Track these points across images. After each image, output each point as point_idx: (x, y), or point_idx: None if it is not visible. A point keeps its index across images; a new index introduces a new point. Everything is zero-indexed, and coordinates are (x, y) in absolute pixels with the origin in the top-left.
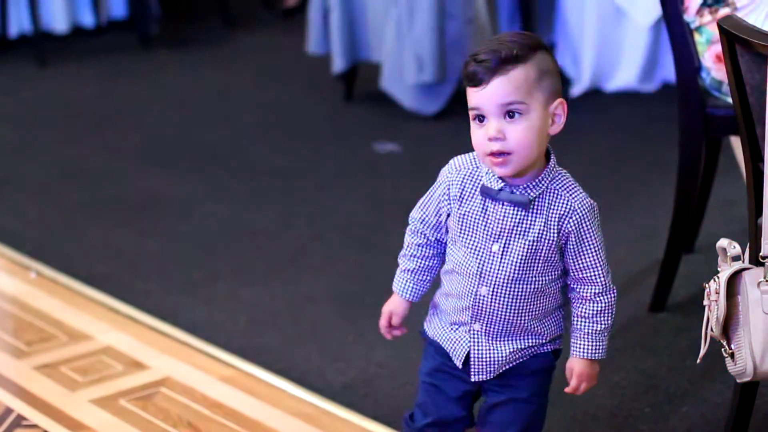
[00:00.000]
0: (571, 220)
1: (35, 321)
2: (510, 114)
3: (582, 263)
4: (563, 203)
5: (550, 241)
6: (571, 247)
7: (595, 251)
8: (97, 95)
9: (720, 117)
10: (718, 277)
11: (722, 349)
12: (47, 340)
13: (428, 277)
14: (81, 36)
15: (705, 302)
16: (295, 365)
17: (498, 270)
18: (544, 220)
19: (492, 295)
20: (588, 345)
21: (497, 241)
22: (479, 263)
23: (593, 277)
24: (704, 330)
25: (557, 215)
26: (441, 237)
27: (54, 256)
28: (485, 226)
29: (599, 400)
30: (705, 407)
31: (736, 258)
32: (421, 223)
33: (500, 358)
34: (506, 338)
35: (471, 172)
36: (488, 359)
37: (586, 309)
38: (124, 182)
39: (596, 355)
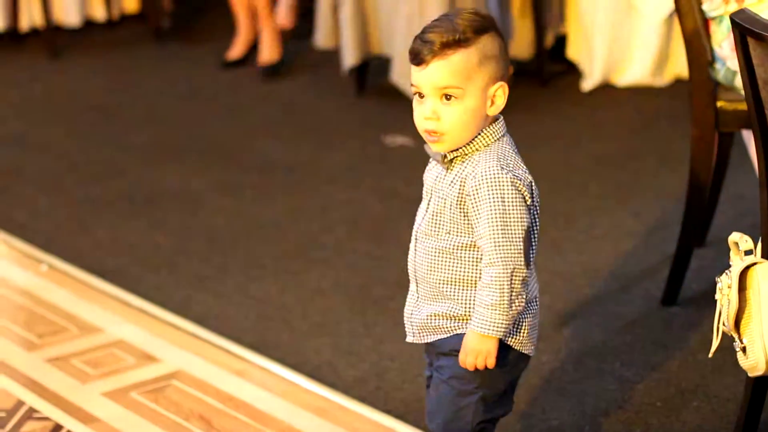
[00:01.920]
0: (470, 183)
1: (46, 313)
2: (446, 96)
3: (477, 231)
4: (472, 167)
5: (452, 199)
6: (472, 213)
7: (489, 220)
8: (109, 89)
9: (732, 111)
10: (730, 271)
11: (734, 344)
12: (59, 333)
13: None
14: (93, 29)
15: (717, 296)
16: (307, 359)
17: (420, 224)
18: (452, 178)
19: (415, 250)
20: (477, 317)
21: (426, 197)
22: (419, 218)
23: (485, 246)
24: (716, 324)
25: (462, 176)
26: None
27: (65, 248)
28: (426, 185)
29: (610, 395)
30: (716, 402)
31: (748, 252)
32: None
33: (420, 320)
34: (428, 301)
35: None
36: (413, 319)
37: (482, 280)
38: (134, 176)
39: (483, 328)
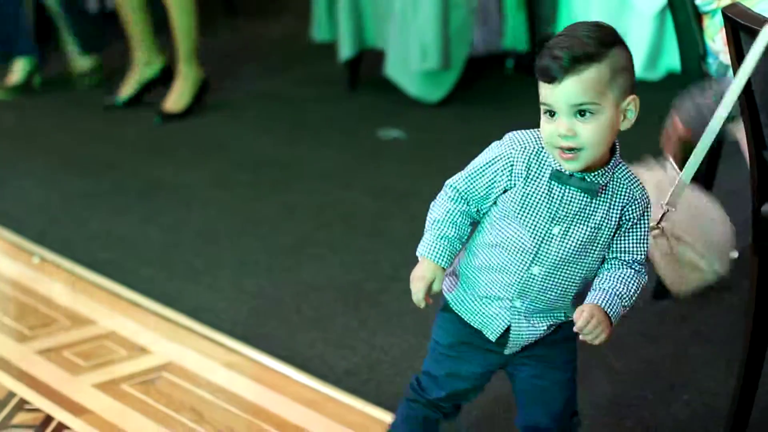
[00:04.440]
0: (634, 210)
1: (38, 305)
2: (581, 113)
3: (635, 249)
4: (627, 192)
5: (611, 228)
6: (624, 231)
7: (646, 239)
8: (100, 82)
9: None
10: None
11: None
12: (50, 325)
13: (459, 246)
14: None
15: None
16: (299, 351)
17: (556, 252)
18: (607, 207)
19: (544, 275)
20: (611, 299)
21: (559, 224)
22: (537, 243)
23: (638, 257)
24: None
25: (620, 204)
26: (483, 209)
27: (57, 241)
28: (548, 207)
29: (601, 388)
30: (707, 395)
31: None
32: (468, 193)
33: (538, 333)
34: (542, 314)
35: (536, 152)
36: (526, 334)
37: (632, 282)
38: (127, 169)
39: (611, 310)
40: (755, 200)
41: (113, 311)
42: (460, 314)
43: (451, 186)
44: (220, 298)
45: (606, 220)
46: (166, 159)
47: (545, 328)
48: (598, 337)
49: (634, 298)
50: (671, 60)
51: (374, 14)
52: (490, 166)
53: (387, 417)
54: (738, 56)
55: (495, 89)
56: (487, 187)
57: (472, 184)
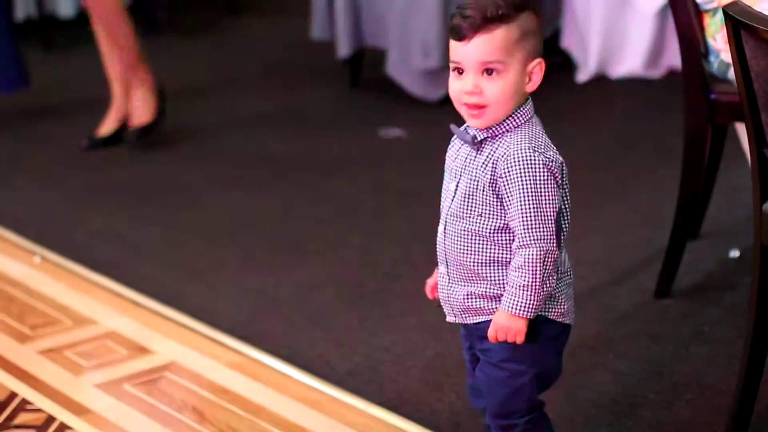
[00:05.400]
0: (503, 165)
1: (39, 305)
2: (488, 71)
3: (509, 213)
4: (503, 148)
5: (484, 181)
6: (504, 194)
7: (521, 202)
8: (103, 80)
9: (725, 104)
10: None
11: None
12: (51, 325)
13: None
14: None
15: None
16: (300, 351)
17: (449, 207)
18: (484, 160)
19: (444, 232)
20: (508, 297)
21: (454, 179)
22: (442, 201)
23: (517, 228)
24: None
25: (494, 158)
26: None
27: (58, 241)
28: (451, 166)
29: (602, 387)
30: (709, 394)
31: None
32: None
33: (457, 301)
34: (462, 281)
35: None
36: (449, 300)
37: (513, 261)
38: (127, 168)
39: (515, 309)
40: (757, 198)
41: (115, 311)
42: None
43: None
44: (221, 297)
45: (482, 173)
46: (166, 157)
47: (463, 295)
48: (516, 339)
49: (537, 277)
50: (672, 58)
51: (372, 13)
52: (446, 156)
53: (388, 416)
54: (739, 55)
55: None
56: None
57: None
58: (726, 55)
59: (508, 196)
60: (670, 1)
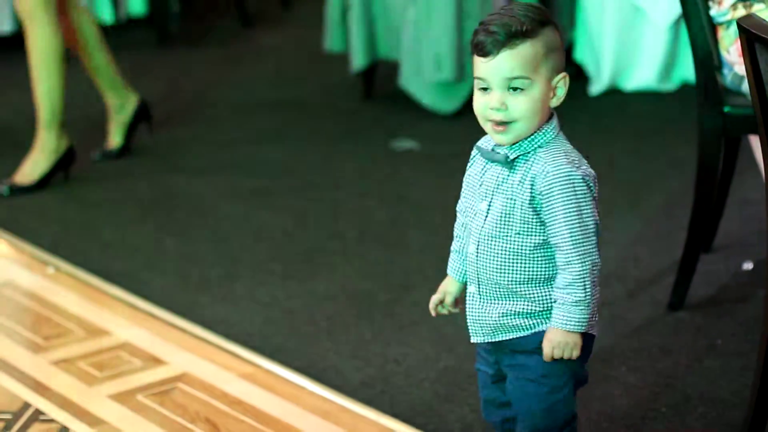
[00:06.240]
0: (542, 182)
1: (53, 316)
2: (514, 87)
3: (552, 230)
4: (540, 165)
5: (523, 200)
6: (545, 212)
7: (565, 218)
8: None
9: (739, 116)
10: None
11: None
12: (65, 335)
13: None
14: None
15: None
16: (313, 362)
17: (481, 226)
18: (520, 178)
19: (477, 252)
20: (561, 314)
21: (485, 199)
22: (470, 222)
23: (561, 245)
24: None
25: (532, 175)
26: None
27: (72, 251)
28: (480, 186)
29: (615, 401)
30: (722, 408)
31: None
32: (464, 205)
33: (491, 320)
34: (496, 300)
35: (488, 142)
36: (480, 320)
37: (559, 279)
38: (140, 179)
39: (569, 325)
40: None
41: (128, 322)
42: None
43: (458, 210)
44: (235, 309)
45: (519, 192)
46: (180, 169)
47: (499, 313)
48: (571, 355)
49: (587, 292)
50: (686, 71)
51: (387, 25)
52: (467, 175)
53: (401, 428)
54: (753, 67)
55: None
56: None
57: (465, 198)
58: (740, 68)
59: (549, 213)
60: (684, 13)
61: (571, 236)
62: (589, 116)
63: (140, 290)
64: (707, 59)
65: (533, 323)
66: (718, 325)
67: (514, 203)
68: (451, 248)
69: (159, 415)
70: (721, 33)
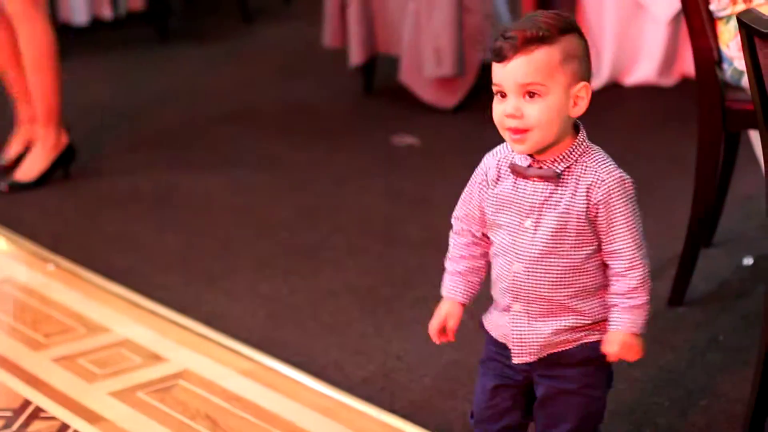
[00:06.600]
0: (599, 190)
1: (53, 313)
2: (530, 94)
3: (613, 236)
4: (591, 174)
5: (579, 212)
6: (602, 219)
7: (626, 223)
8: (115, 88)
9: (739, 111)
10: None
11: None
12: (65, 332)
13: (477, 279)
14: (99, 28)
15: None
16: (314, 358)
17: (530, 245)
18: (572, 191)
19: (526, 271)
20: (626, 318)
21: (529, 217)
22: (512, 239)
23: (624, 251)
24: None
25: (585, 186)
26: (488, 231)
27: (72, 248)
28: (517, 203)
29: (618, 395)
30: (724, 402)
31: None
32: (467, 220)
33: (541, 338)
34: (546, 317)
35: (506, 156)
36: (528, 339)
37: (620, 285)
38: (142, 175)
39: (636, 328)
40: None
41: (128, 319)
42: (489, 330)
43: (454, 217)
44: (237, 304)
45: (573, 205)
46: (180, 164)
47: (550, 331)
48: (633, 357)
49: (648, 294)
50: (685, 66)
51: (385, 20)
52: (473, 185)
53: (402, 424)
54: (753, 62)
55: None
56: (479, 207)
57: (466, 207)
58: (739, 63)
59: (610, 220)
60: (684, 8)
61: (634, 241)
62: (588, 111)
63: (141, 287)
64: (707, 54)
65: (580, 336)
66: (719, 320)
67: (569, 215)
68: (453, 270)
69: (159, 412)
70: (721, 27)
